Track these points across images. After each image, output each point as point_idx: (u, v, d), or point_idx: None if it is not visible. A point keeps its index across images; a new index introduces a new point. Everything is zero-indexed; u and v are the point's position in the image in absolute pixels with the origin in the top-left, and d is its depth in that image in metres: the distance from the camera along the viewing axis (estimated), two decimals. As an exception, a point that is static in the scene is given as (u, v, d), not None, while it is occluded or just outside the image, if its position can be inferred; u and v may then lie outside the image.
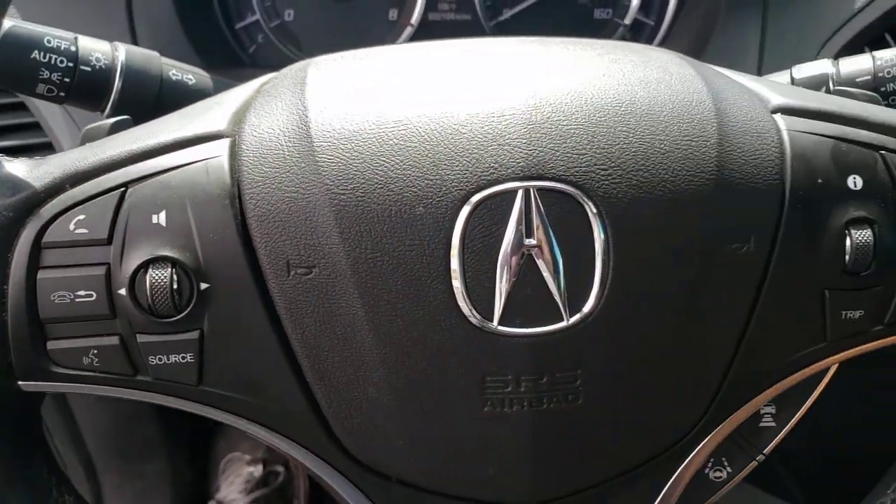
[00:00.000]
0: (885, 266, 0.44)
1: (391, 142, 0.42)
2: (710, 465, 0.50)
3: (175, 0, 0.86)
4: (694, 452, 0.47)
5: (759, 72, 0.82)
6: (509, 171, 0.41)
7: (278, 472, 1.21)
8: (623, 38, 0.96)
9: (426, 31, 0.95)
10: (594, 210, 0.41)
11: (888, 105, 0.59)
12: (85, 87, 0.57)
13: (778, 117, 0.46)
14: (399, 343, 0.42)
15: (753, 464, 0.50)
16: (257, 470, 1.19)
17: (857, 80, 0.60)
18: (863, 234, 0.43)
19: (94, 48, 0.58)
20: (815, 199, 0.44)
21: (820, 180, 0.44)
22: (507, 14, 0.95)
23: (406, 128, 0.42)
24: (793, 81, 0.63)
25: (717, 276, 0.43)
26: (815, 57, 0.72)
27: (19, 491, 0.48)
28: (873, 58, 0.60)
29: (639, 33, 0.96)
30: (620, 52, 0.48)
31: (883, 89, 0.59)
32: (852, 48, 0.81)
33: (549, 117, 0.42)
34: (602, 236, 0.41)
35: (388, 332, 0.42)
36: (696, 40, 0.89)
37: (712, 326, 0.44)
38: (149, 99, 0.59)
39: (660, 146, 0.43)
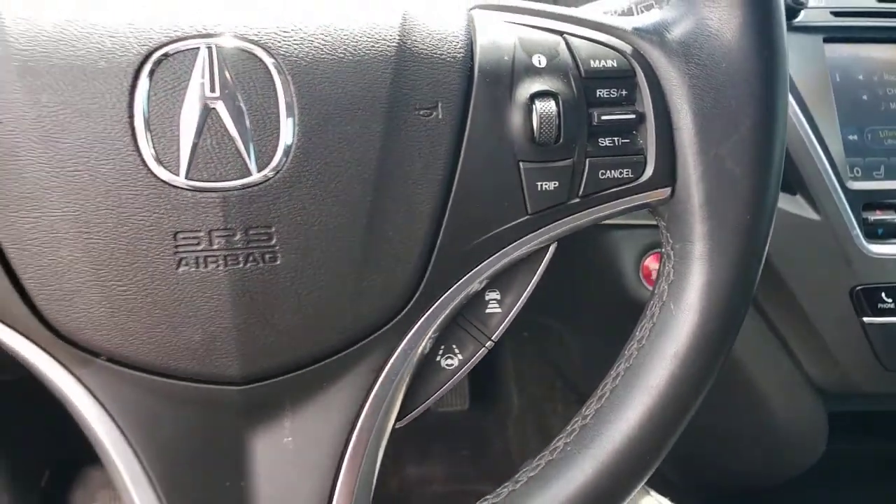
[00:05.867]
0: (571, 139, 0.48)
1: None
2: (441, 352, 0.51)
3: None
4: (413, 331, 0.48)
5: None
6: (192, 28, 0.44)
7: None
8: None
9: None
10: (277, 67, 0.44)
11: None
12: None
13: (475, 11, 0.50)
14: (87, 199, 0.43)
15: (484, 351, 0.52)
16: None
17: None
18: (547, 106, 0.47)
19: None
20: (502, 74, 0.48)
21: (506, 58, 0.48)
22: None
23: None
24: None
25: (406, 140, 0.46)
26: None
27: None
28: None
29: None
30: None
31: None
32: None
33: None
34: (285, 93, 0.44)
35: (74, 187, 0.42)
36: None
37: (409, 193, 0.46)
38: None
39: (344, 17, 0.46)
